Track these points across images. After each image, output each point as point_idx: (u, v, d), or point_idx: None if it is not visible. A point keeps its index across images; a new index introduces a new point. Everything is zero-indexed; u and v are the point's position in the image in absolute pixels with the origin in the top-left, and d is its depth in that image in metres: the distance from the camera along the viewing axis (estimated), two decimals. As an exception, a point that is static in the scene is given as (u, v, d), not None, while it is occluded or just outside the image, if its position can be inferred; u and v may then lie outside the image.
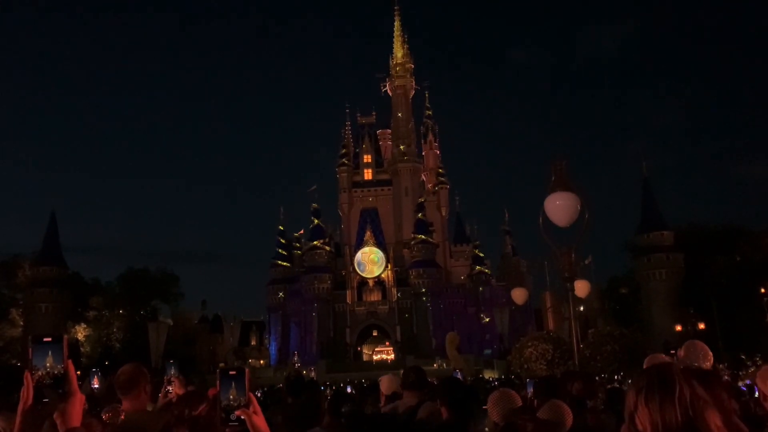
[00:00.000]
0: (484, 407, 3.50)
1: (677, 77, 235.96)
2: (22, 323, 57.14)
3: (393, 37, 79.45)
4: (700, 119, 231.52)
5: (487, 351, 60.72)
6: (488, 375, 42.31)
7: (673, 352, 3.56)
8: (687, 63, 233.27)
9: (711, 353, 3.49)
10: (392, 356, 62.57)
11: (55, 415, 1.87)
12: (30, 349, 1.87)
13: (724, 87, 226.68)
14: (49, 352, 1.87)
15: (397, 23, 79.43)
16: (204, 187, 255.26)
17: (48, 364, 1.86)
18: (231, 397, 2.12)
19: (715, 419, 1.81)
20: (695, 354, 3.39)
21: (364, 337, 66.25)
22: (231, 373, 2.15)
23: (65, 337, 1.94)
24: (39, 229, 61.24)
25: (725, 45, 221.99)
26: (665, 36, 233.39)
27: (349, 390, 13.53)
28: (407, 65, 77.94)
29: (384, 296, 65.97)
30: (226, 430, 2.13)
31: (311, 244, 67.72)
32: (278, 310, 69.20)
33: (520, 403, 2.88)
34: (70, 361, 1.90)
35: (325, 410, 6.08)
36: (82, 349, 57.25)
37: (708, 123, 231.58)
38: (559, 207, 8.95)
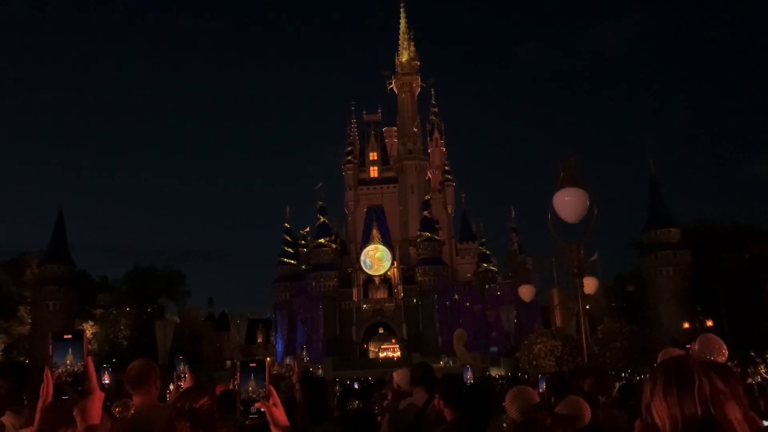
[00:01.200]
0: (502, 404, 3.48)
1: (685, 75, 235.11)
2: (30, 321, 57.47)
3: (399, 34, 79.40)
4: (708, 117, 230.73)
5: (493, 349, 60.69)
6: (495, 372, 42.33)
7: (688, 347, 3.49)
8: (695, 61, 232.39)
9: (725, 347, 3.44)
10: (398, 354, 62.64)
11: (74, 413, 1.87)
12: (50, 346, 1.87)
13: (733, 85, 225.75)
14: (69, 350, 1.87)
15: (403, 21, 79.36)
16: (210, 186, 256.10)
17: (68, 362, 1.86)
18: (250, 389, 2.12)
19: (735, 413, 1.78)
20: (710, 348, 3.34)
21: (370, 335, 66.33)
22: (251, 365, 2.14)
23: (85, 334, 1.94)
24: (46, 227, 61.59)
25: (734, 43, 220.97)
26: (673, 33, 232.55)
27: (356, 387, 13.53)
28: (413, 63, 77.83)
29: (390, 294, 65.99)
30: (246, 422, 2.12)
31: (317, 241, 67.82)
32: (284, 308, 69.34)
33: (537, 399, 2.86)
34: (89, 359, 1.90)
35: (334, 406, 6.10)
36: (90, 346, 57.51)
37: (716, 120, 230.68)
38: (568, 203, 8.89)
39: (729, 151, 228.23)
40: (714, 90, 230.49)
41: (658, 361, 3.33)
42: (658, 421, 1.80)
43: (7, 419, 5.96)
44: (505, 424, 2.59)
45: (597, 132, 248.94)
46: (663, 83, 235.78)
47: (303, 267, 69.83)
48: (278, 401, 2.15)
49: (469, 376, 8.85)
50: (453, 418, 4.06)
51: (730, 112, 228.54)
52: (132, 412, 3.50)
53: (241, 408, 2.11)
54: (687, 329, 46.03)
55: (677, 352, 3.37)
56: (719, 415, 1.75)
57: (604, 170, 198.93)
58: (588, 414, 2.97)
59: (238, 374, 2.13)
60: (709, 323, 45.94)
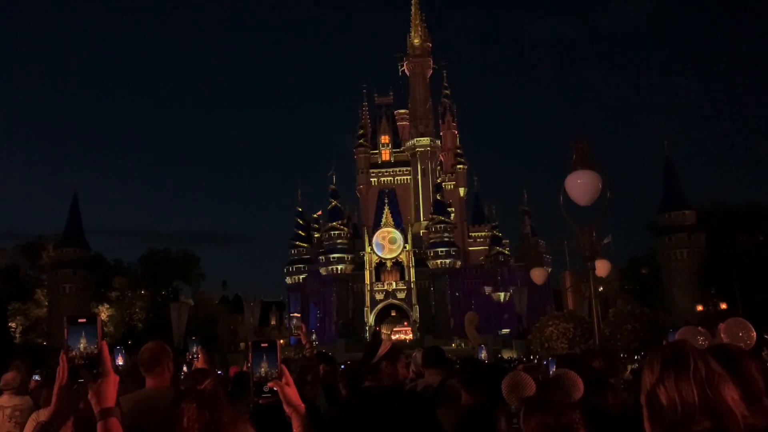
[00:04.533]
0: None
1: (701, 54, 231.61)
2: (46, 303, 58.25)
3: (411, 16, 78.69)
4: (724, 97, 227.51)
5: (506, 331, 60.76)
6: (507, 354, 42.48)
7: (701, 329, 3.47)
8: (710, 40, 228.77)
9: (754, 331, 3.36)
10: (410, 336, 62.89)
11: (89, 395, 1.89)
12: (65, 330, 1.89)
13: (748, 64, 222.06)
14: (83, 333, 1.89)
15: (414, 2, 78.56)
16: (224, 169, 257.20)
17: (82, 345, 1.89)
18: (263, 369, 2.15)
19: (731, 393, 1.80)
20: (736, 331, 3.29)
21: (383, 318, 66.59)
22: (263, 345, 2.17)
23: (99, 318, 1.96)
24: (62, 211, 62.06)
25: (750, 21, 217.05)
26: (689, 12, 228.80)
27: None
28: (425, 44, 77.19)
29: (402, 277, 66.12)
30: (259, 401, 2.16)
31: (329, 225, 67.97)
32: (298, 291, 69.74)
33: (534, 385, 2.87)
34: (104, 342, 1.92)
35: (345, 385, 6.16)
36: (105, 329, 58.16)
37: (732, 100, 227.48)
38: (580, 185, 8.84)
39: (745, 132, 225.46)
40: (729, 70, 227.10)
41: (676, 338, 3.34)
42: (656, 404, 1.83)
43: (4, 400, 6.10)
44: (513, 407, 2.60)
45: (611, 112, 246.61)
46: (678, 63, 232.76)
47: (316, 250, 70.07)
48: (291, 380, 2.19)
49: (483, 355, 8.93)
50: (468, 402, 4.10)
51: (747, 92, 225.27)
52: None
53: (254, 388, 2.14)
54: (701, 312, 45.75)
55: (692, 331, 3.36)
56: (715, 396, 1.77)
57: (619, 151, 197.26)
58: (581, 384, 2.98)
59: (250, 355, 2.16)
60: (723, 306, 45.63)
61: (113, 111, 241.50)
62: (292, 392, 2.18)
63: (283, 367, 2.17)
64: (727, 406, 1.77)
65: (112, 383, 1.92)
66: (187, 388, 2.32)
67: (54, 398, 1.98)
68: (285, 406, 2.19)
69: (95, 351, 1.89)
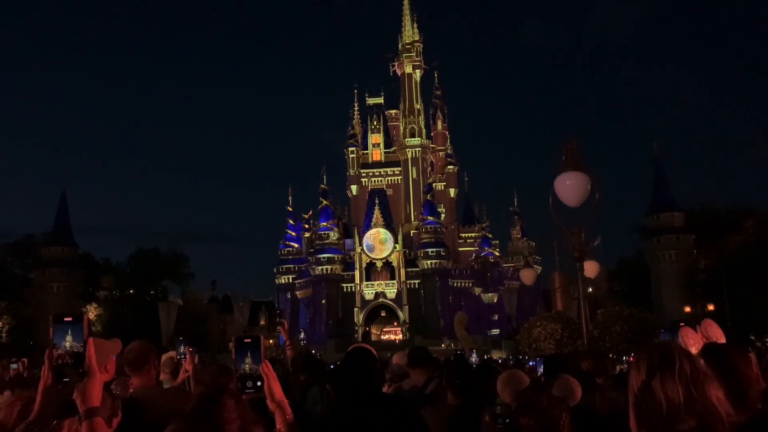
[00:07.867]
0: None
1: (691, 57, 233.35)
2: (34, 302, 57.81)
3: (402, 16, 78.65)
4: (713, 99, 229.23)
5: (495, 331, 60.89)
6: (496, 355, 42.58)
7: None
8: (701, 42, 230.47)
9: (723, 336, 3.45)
10: (400, 336, 62.89)
11: (74, 395, 1.87)
12: (51, 329, 1.88)
13: (738, 67, 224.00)
14: (69, 331, 1.88)
15: (406, 2, 78.53)
16: (214, 168, 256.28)
17: (68, 344, 1.87)
18: (247, 365, 2.15)
19: (716, 393, 1.83)
20: (711, 332, 3.36)
21: (373, 318, 66.54)
22: (246, 341, 2.17)
23: (86, 316, 1.94)
24: (50, 209, 61.67)
25: (739, 26, 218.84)
26: (680, 14, 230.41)
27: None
28: (416, 45, 77.19)
29: (392, 277, 66.08)
30: (243, 397, 2.15)
31: (320, 225, 67.89)
32: (287, 291, 69.57)
33: (528, 381, 2.90)
34: (91, 340, 1.90)
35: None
36: (93, 328, 57.87)
37: (721, 103, 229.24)
38: (570, 187, 8.86)
39: (734, 135, 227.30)
40: (719, 73, 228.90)
41: (680, 337, 3.39)
42: (644, 405, 1.85)
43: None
44: (498, 408, 2.61)
45: (602, 114, 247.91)
46: (669, 65, 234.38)
47: (306, 250, 69.95)
48: (275, 376, 2.18)
49: (473, 359, 8.91)
50: (455, 402, 4.10)
51: (736, 95, 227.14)
52: (131, 390, 3.52)
53: (238, 384, 2.14)
54: (689, 313, 46.07)
55: (690, 331, 3.41)
56: (700, 396, 1.80)
57: (609, 153, 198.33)
58: (579, 391, 3.01)
59: (233, 351, 2.16)
60: (711, 307, 45.95)
61: (102, 110, 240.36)
62: (276, 386, 2.18)
63: (267, 362, 2.17)
64: (711, 405, 1.79)
65: (98, 383, 1.89)
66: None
67: (38, 398, 1.95)
68: (269, 402, 2.18)
69: (81, 349, 1.87)
